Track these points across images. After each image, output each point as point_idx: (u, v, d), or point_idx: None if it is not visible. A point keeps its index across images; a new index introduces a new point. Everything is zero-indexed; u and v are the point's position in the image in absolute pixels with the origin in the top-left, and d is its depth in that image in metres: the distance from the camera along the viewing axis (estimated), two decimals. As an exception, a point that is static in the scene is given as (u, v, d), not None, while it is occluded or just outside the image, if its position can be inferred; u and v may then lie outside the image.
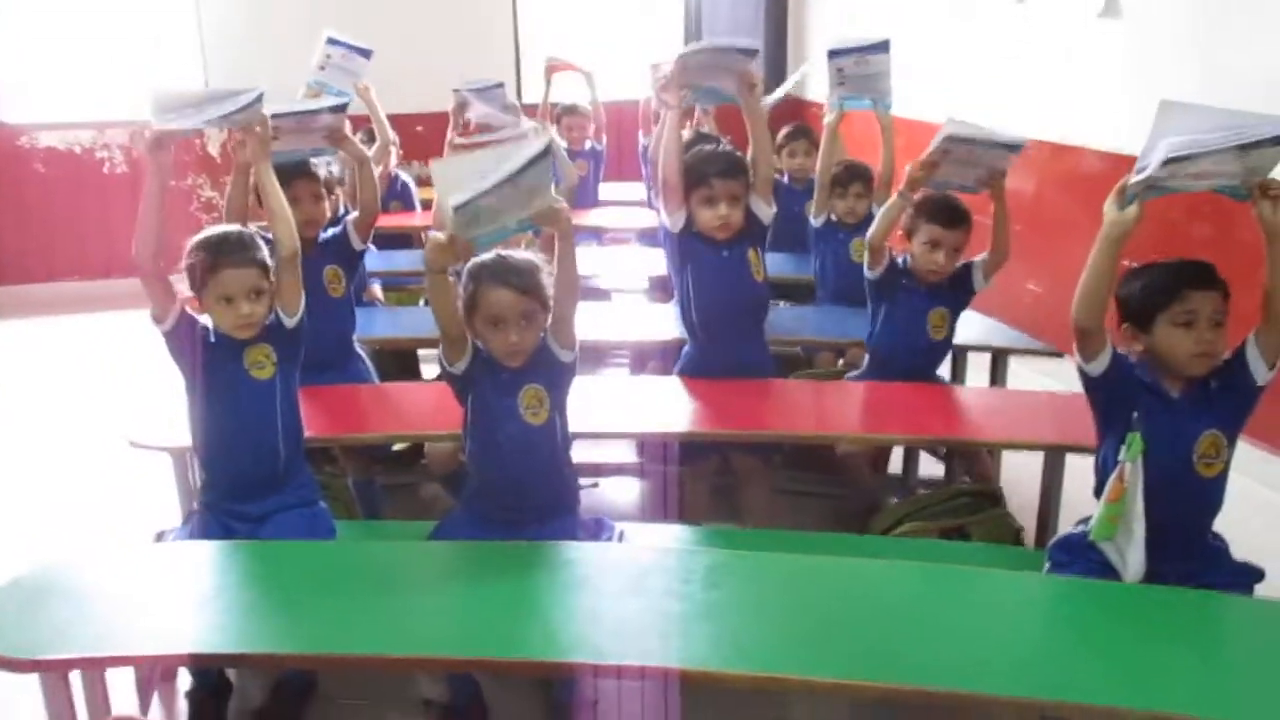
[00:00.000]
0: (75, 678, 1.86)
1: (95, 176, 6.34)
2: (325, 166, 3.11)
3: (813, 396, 2.97)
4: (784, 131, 4.38)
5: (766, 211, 2.90)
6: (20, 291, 6.23)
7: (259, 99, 2.32)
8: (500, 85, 4.38)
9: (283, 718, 2.38)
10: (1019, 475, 3.08)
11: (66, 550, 2.51)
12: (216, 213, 6.08)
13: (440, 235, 2.04)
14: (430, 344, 3.83)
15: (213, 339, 2.29)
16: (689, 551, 2.09)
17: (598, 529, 2.33)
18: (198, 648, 1.79)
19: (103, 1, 6.35)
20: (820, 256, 3.74)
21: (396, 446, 3.40)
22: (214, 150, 6.40)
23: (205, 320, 2.30)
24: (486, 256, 2.15)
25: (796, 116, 6.06)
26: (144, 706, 2.30)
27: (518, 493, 2.26)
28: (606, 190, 5.33)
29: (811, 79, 4.71)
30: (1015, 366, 3.46)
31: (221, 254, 2.20)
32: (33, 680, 1.79)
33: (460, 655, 1.78)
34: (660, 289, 4.46)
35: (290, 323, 2.32)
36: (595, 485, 3.55)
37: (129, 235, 2.21)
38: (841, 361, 3.64)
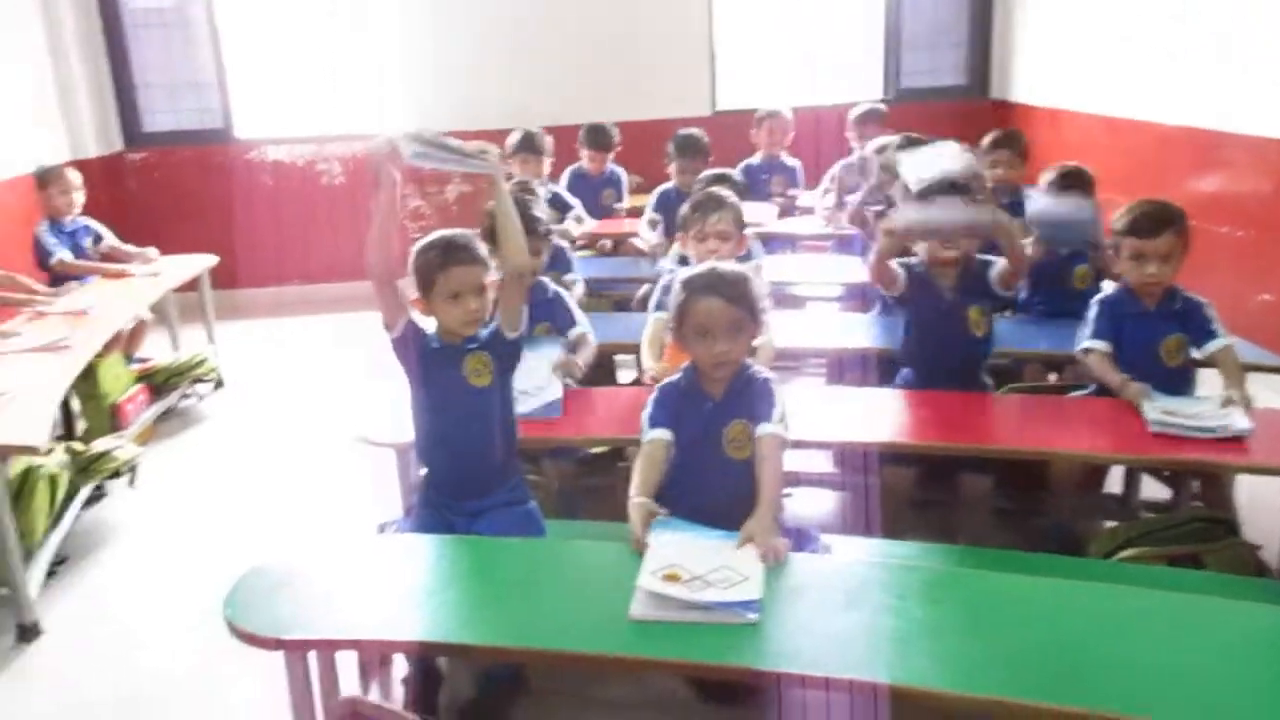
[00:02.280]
0: (310, 658, 1.96)
1: (316, 188, 6.74)
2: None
3: (1028, 411, 2.84)
4: (989, 138, 4.23)
5: (1002, 292, 3.03)
6: (251, 295, 6.70)
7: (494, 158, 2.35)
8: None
9: (491, 708, 2.45)
10: (1258, 503, 2.84)
11: (300, 539, 2.68)
12: (424, 220, 6.39)
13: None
14: (628, 349, 3.92)
15: (435, 344, 2.39)
16: (905, 567, 2.02)
17: (802, 540, 2.30)
18: (419, 636, 1.87)
19: (322, 25, 6.76)
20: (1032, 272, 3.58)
21: (595, 450, 3.46)
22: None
23: (430, 328, 2.41)
24: (701, 268, 2.18)
25: (1005, 122, 5.84)
26: (364, 689, 2.41)
27: (717, 514, 2.14)
28: (805, 198, 5.28)
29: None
30: (1253, 386, 3.18)
31: (451, 253, 2.31)
32: (256, 659, 1.91)
33: (671, 658, 1.77)
34: (855, 297, 4.38)
35: (510, 336, 2.39)
36: (789, 495, 3.50)
37: (347, 241, 2.33)
38: (1054, 377, 3.47)
